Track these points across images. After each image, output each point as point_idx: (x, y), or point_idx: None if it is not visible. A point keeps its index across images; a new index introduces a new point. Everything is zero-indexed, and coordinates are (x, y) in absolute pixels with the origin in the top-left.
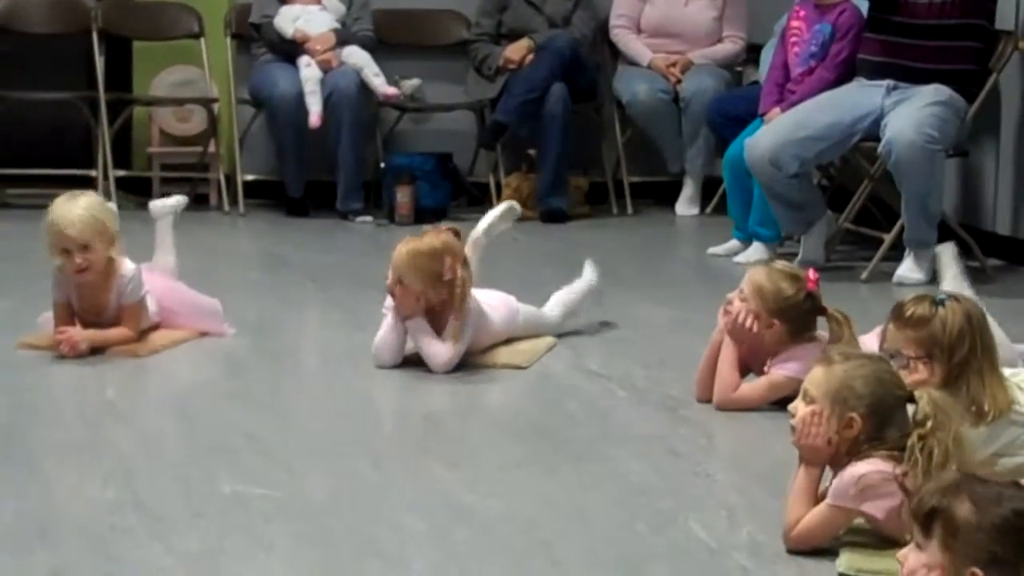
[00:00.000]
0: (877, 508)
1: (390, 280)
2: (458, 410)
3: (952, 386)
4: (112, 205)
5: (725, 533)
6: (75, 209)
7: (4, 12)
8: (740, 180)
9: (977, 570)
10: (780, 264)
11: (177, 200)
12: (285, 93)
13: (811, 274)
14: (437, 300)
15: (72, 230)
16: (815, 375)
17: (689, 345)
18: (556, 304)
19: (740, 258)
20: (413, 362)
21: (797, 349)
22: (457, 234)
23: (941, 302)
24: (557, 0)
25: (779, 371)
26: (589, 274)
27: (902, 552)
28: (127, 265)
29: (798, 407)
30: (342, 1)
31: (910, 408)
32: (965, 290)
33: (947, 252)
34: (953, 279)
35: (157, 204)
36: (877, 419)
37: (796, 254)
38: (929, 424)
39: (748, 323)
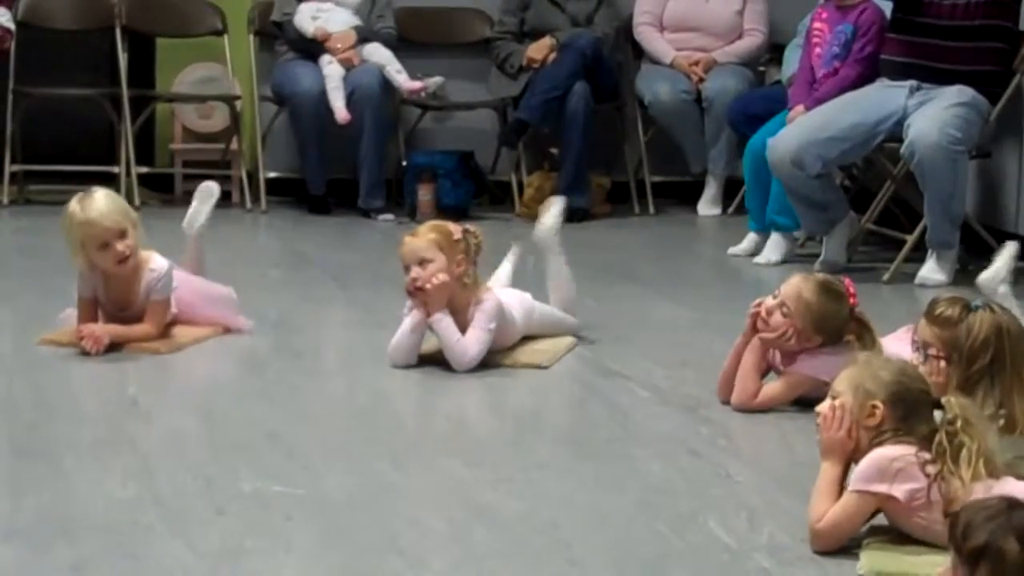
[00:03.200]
0: (899, 490)
1: (412, 271)
2: (479, 410)
3: (969, 393)
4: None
5: (745, 534)
6: (99, 202)
7: (28, 8)
8: (760, 171)
9: None
10: (821, 277)
11: (206, 210)
12: (307, 91)
13: (851, 288)
14: (459, 271)
15: (108, 221)
16: (842, 374)
17: (710, 345)
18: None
19: (760, 259)
20: (434, 361)
21: (818, 349)
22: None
23: (975, 308)
24: None
25: (797, 369)
26: (512, 257)
27: (940, 572)
28: (158, 260)
29: (824, 406)
30: None
31: (937, 414)
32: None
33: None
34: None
35: (186, 222)
36: (900, 409)
37: (818, 255)
38: (959, 423)
39: (792, 340)
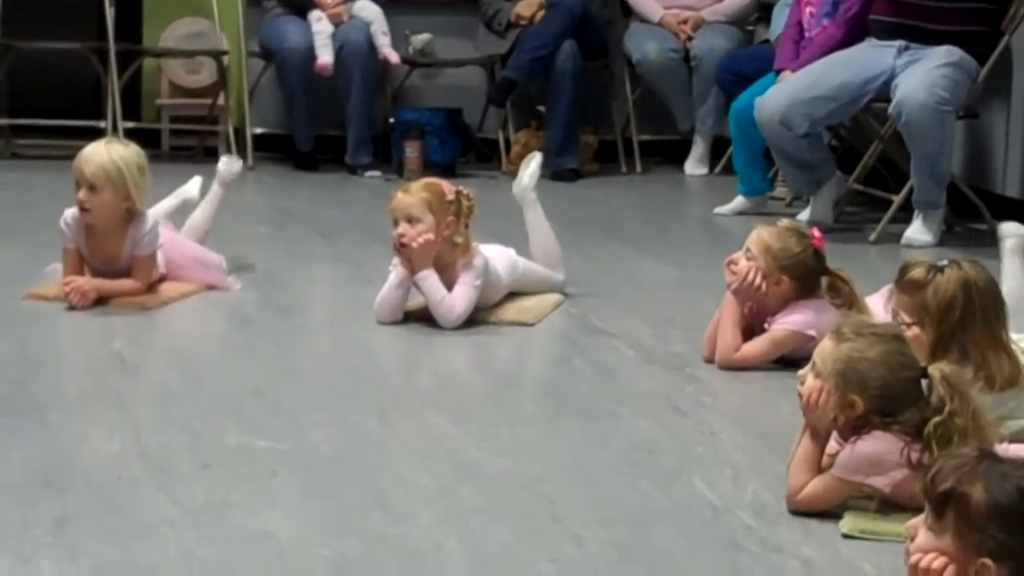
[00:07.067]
0: (884, 482)
1: (399, 227)
2: (465, 366)
3: (944, 353)
4: (142, 162)
5: (730, 492)
6: (102, 151)
7: None
8: (747, 133)
9: (988, 561)
10: (785, 222)
11: (240, 165)
12: (295, 46)
13: (816, 232)
14: (447, 233)
15: (87, 167)
16: (824, 348)
17: (696, 304)
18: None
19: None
20: (420, 318)
21: (799, 304)
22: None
23: (941, 268)
24: None
25: (781, 326)
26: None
27: (912, 523)
28: (145, 216)
29: (807, 376)
30: None
31: (924, 383)
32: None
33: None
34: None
35: (223, 169)
36: (883, 403)
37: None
38: (947, 410)
39: (756, 281)
